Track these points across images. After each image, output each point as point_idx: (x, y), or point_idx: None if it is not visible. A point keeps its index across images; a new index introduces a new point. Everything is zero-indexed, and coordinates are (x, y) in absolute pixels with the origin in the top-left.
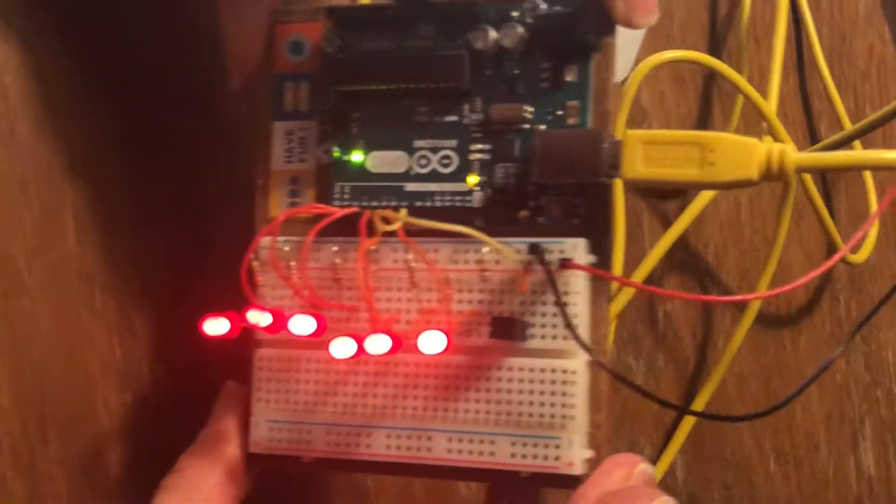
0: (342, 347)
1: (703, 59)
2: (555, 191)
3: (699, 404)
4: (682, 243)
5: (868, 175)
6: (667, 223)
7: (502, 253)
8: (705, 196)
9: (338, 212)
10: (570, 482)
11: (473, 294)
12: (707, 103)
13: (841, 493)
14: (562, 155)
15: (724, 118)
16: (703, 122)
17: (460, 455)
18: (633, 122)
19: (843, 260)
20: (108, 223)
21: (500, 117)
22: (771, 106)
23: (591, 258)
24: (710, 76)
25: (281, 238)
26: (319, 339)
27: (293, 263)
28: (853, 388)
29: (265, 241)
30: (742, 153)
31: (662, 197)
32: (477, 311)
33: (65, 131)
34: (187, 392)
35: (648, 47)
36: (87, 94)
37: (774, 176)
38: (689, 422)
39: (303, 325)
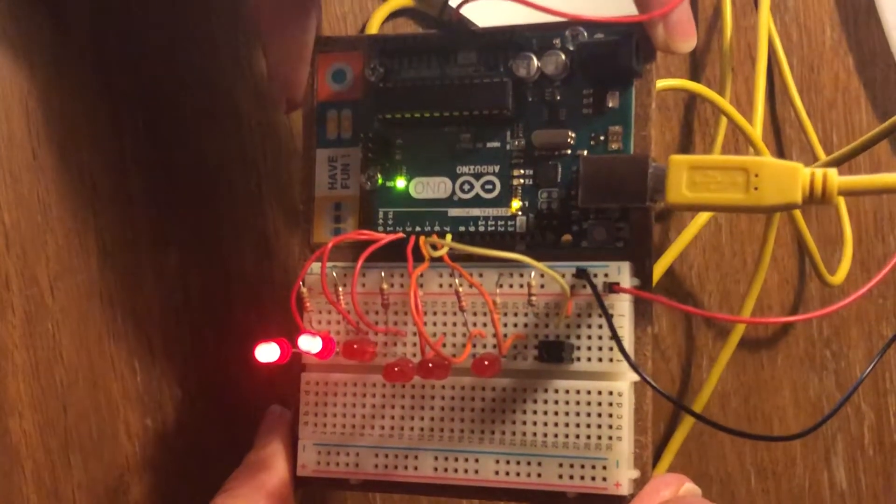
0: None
1: (694, 88)
2: (598, 215)
3: (688, 422)
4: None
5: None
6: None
7: (550, 276)
8: (701, 219)
9: (384, 237)
10: (617, 502)
11: (518, 318)
12: (689, 131)
13: None
14: (607, 179)
15: (706, 145)
16: (685, 149)
17: (507, 477)
18: None
19: (822, 280)
20: (130, 246)
21: (542, 143)
22: (756, 131)
23: (635, 281)
24: (691, 104)
25: (329, 264)
26: (368, 363)
27: (340, 288)
28: (825, 405)
29: (312, 267)
30: (787, 177)
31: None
32: (522, 335)
33: (87, 155)
34: (206, 414)
35: None
36: (109, 118)
37: (818, 199)
38: (676, 441)
39: (352, 349)
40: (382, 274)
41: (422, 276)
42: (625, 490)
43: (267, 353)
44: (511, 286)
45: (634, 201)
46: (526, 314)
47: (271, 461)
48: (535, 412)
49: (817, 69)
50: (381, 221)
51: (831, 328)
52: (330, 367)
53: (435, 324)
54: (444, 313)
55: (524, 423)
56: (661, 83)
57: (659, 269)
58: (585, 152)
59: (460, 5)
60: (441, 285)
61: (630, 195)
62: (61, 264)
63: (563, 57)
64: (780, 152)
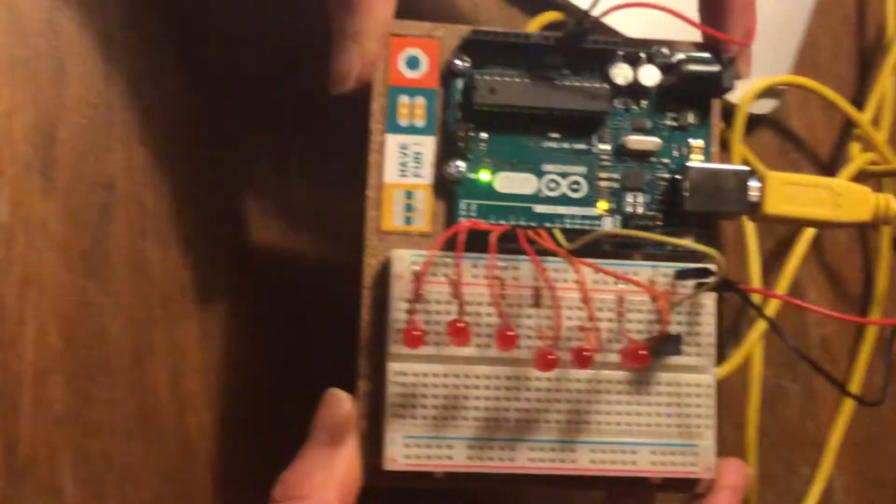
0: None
1: (803, 83)
2: (684, 220)
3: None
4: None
5: None
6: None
7: (719, 260)
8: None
9: (497, 228)
10: (697, 485)
11: (613, 313)
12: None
13: None
14: (712, 188)
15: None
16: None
17: (603, 465)
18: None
19: None
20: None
21: (634, 148)
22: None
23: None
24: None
25: (416, 252)
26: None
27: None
28: None
29: (400, 254)
30: (861, 199)
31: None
32: (617, 330)
33: None
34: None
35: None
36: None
37: (881, 220)
38: (836, 439)
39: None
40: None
41: (517, 269)
42: (712, 474)
43: None
44: (606, 283)
45: (736, 209)
46: (619, 310)
47: (347, 458)
48: (629, 403)
49: None
50: (463, 212)
51: None
52: (416, 357)
53: (529, 316)
54: (520, 305)
55: (619, 413)
56: (774, 79)
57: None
58: (666, 161)
59: (602, 14)
60: (516, 278)
61: (732, 203)
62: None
63: (658, 70)
64: None
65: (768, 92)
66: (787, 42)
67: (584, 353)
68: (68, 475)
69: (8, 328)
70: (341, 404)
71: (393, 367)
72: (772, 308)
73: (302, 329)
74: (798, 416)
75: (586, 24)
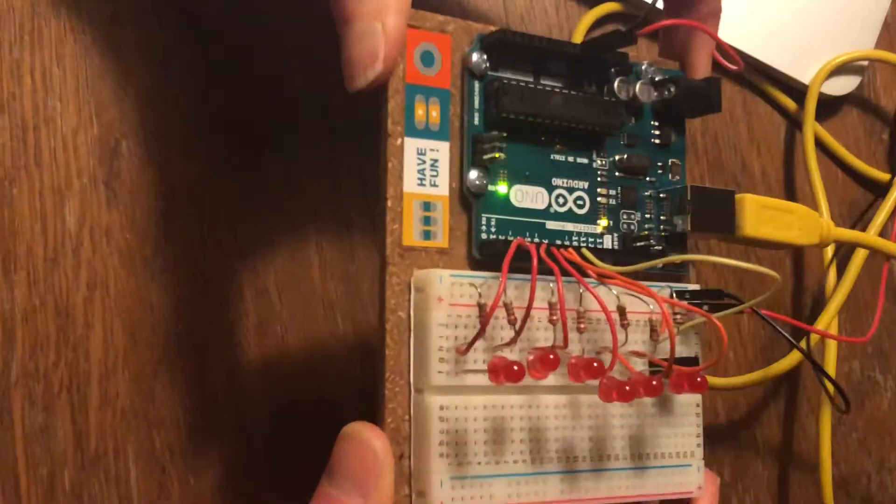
0: None
1: (884, 57)
2: (677, 240)
3: None
4: None
5: None
6: None
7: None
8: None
9: (532, 246)
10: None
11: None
12: None
13: None
14: (708, 210)
15: None
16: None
17: (619, 491)
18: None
19: None
20: (347, 256)
21: (629, 166)
22: None
23: None
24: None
25: (453, 272)
26: (517, 382)
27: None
28: None
29: (438, 274)
30: (814, 223)
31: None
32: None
33: None
34: None
35: None
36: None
37: (823, 244)
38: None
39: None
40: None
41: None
42: (703, 491)
43: None
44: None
45: (727, 231)
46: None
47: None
48: (640, 426)
49: None
50: (484, 228)
51: None
52: (457, 388)
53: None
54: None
55: (633, 437)
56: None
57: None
58: (651, 179)
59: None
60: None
61: (723, 226)
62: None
63: (651, 87)
64: None
65: (848, 70)
66: (871, 16)
67: (654, 383)
68: (134, 466)
69: (77, 330)
70: (369, 444)
71: (436, 400)
72: None
73: (362, 320)
74: (889, 409)
75: (651, 17)
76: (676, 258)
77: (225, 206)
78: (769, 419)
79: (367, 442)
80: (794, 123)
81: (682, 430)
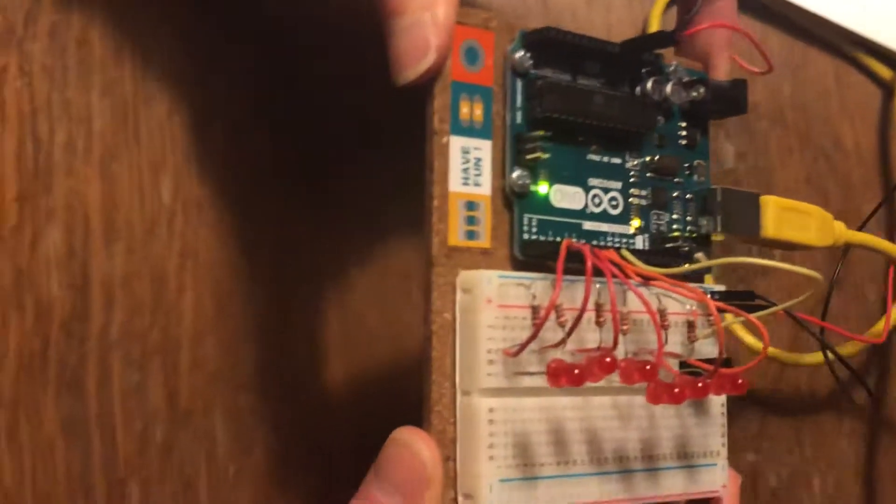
0: None
1: None
2: (705, 241)
3: None
4: None
5: None
6: None
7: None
8: None
9: (586, 247)
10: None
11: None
12: None
13: None
14: (735, 211)
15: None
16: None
17: (652, 492)
18: None
19: None
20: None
21: (661, 167)
22: None
23: None
24: None
25: (501, 273)
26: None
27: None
28: None
29: (486, 275)
30: (828, 225)
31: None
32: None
33: None
34: None
35: None
36: None
37: (837, 245)
38: None
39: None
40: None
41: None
42: (728, 491)
43: None
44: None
45: (751, 233)
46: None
47: None
48: (668, 427)
49: None
50: (526, 228)
51: None
52: (509, 391)
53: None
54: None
55: (664, 438)
56: None
57: None
58: (679, 181)
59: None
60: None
61: (748, 228)
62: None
63: (682, 88)
64: None
65: None
66: None
67: (700, 385)
68: (220, 426)
69: (170, 296)
70: (418, 454)
71: (486, 402)
72: None
73: None
74: None
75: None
76: (722, 261)
77: (308, 185)
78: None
79: (417, 452)
80: (890, 93)
81: (707, 430)
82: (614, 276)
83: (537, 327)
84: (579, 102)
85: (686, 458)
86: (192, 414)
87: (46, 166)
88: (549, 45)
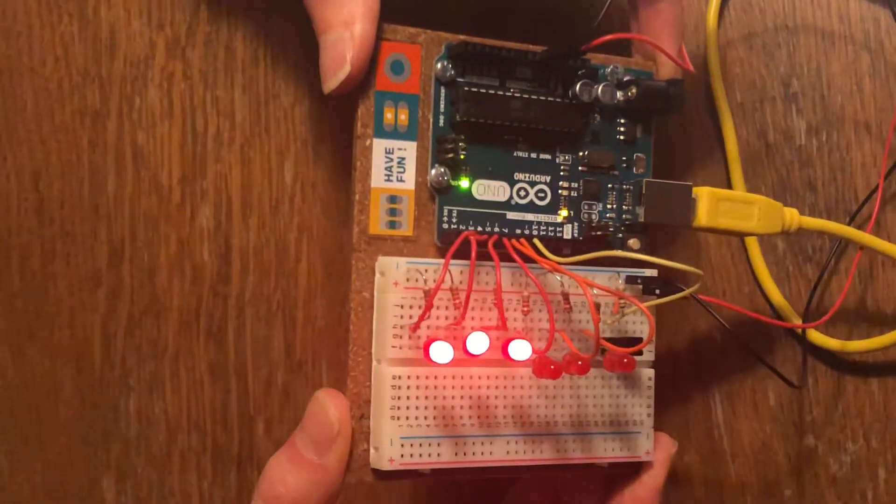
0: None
1: None
2: (634, 229)
3: None
4: None
5: None
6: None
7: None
8: None
9: (488, 238)
10: (639, 467)
11: (575, 315)
12: None
13: None
14: (662, 201)
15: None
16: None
17: (566, 454)
18: None
19: None
20: None
21: (593, 161)
22: None
23: None
24: None
25: (409, 259)
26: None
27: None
28: None
29: (395, 261)
30: (776, 213)
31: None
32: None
33: None
34: None
35: None
36: None
37: (787, 231)
38: None
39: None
40: (459, 272)
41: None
42: (652, 456)
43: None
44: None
45: (682, 221)
46: (579, 312)
47: (332, 473)
48: (588, 397)
49: None
50: (445, 219)
51: None
52: (413, 360)
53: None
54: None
55: (580, 406)
56: None
57: None
58: (615, 173)
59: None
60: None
61: (679, 216)
62: None
63: (615, 88)
64: None
65: None
66: None
67: (580, 362)
68: (326, 374)
69: (289, 264)
70: (328, 412)
71: (391, 370)
72: None
73: None
74: None
75: (576, 48)
76: (599, 254)
77: None
78: None
79: (327, 410)
80: None
81: (634, 401)
82: (528, 262)
83: (426, 307)
84: (493, 107)
85: (608, 426)
86: (304, 364)
87: (202, 154)
88: (469, 56)
